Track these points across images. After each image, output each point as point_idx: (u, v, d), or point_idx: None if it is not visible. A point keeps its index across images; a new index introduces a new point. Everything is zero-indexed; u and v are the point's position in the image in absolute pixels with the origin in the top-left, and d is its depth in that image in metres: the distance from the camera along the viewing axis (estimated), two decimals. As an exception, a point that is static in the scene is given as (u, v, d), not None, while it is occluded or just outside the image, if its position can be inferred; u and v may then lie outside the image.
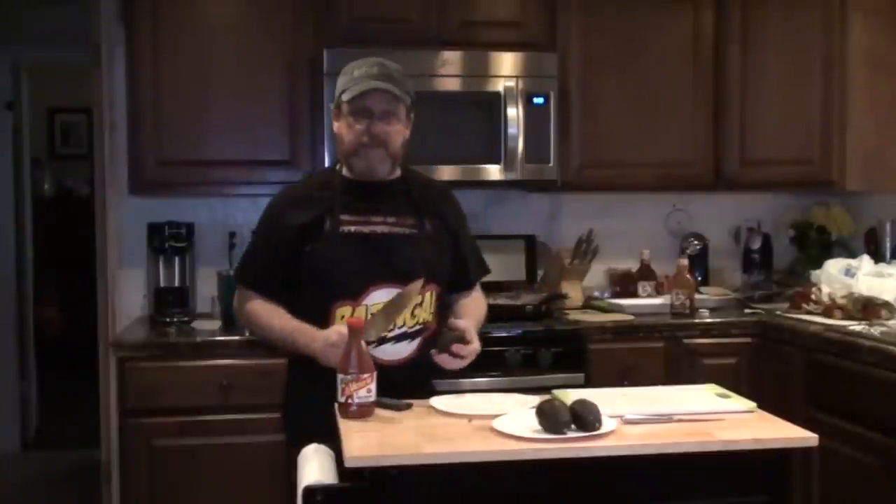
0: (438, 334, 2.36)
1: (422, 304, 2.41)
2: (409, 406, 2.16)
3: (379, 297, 2.35)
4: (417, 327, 2.41)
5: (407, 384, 2.29)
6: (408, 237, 2.41)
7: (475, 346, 2.33)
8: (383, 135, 2.37)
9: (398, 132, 2.40)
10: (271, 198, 2.56)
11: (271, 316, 2.41)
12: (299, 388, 2.47)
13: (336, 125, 2.45)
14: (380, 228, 2.40)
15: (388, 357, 2.36)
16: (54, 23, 4.99)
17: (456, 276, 2.53)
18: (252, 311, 2.45)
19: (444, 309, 2.51)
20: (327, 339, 2.22)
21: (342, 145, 2.43)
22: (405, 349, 2.40)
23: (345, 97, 2.37)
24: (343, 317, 2.34)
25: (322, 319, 2.33)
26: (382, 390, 2.16)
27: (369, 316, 2.34)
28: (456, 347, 2.29)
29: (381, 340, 2.35)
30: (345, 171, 2.46)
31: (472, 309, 2.53)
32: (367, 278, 2.35)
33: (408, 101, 2.42)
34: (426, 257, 2.41)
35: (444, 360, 2.31)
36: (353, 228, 2.38)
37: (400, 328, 2.38)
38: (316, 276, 2.36)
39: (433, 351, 2.32)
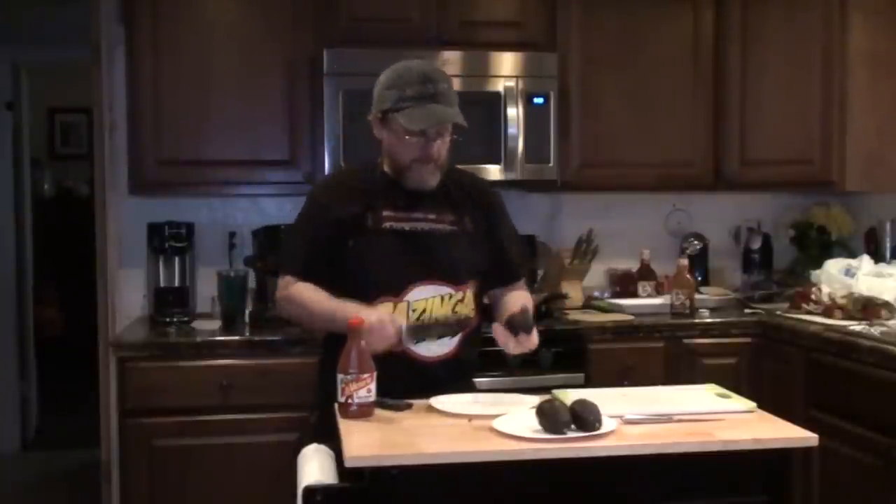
0: (510, 314, 2.30)
1: (463, 300, 2.42)
2: (409, 406, 2.16)
3: (420, 293, 2.36)
4: None
5: (447, 380, 2.31)
6: (448, 234, 2.42)
7: (535, 340, 2.29)
8: (437, 153, 2.37)
9: (446, 144, 2.39)
10: (313, 187, 2.57)
11: (313, 295, 2.37)
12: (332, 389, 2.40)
13: (379, 131, 2.41)
14: (420, 225, 2.41)
15: (430, 354, 2.38)
16: (54, 23, 4.99)
17: (498, 270, 2.52)
18: (296, 292, 2.40)
19: (487, 304, 2.52)
20: (370, 325, 2.17)
21: (391, 156, 2.40)
22: (446, 345, 2.41)
23: (403, 122, 2.32)
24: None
25: None
26: (423, 387, 2.18)
27: (412, 315, 2.35)
28: (522, 338, 2.25)
29: (422, 338, 2.37)
30: (386, 168, 2.45)
31: (524, 303, 2.48)
32: (409, 275, 2.36)
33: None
34: (466, 254, 2.43)
35: (511, 342, 2.26)
36: (394, 224, 2.39)
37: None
38: (357, 271, 2.36)
39: (500, 326, 2.27)
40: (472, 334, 2.47)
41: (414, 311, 2.36)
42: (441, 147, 2.37)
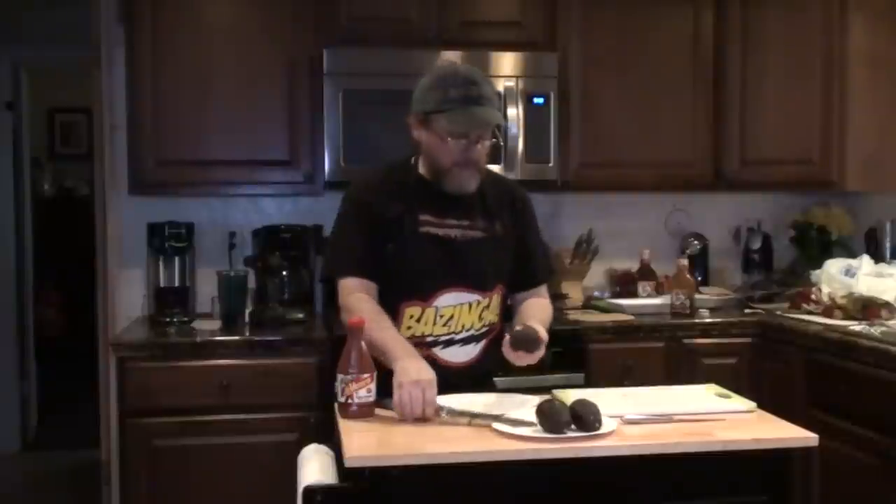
0: (513, 330, 2.29)
1: (489, 306, 2.42)
2: (409, 406, 2.16)
3: (448, 299, 2.37)
4: (484, 329, 2.44)
5: (468, 385, 2.30)
6: (479, 241, 2.42)
7: (538, 356, 2.26)
8: (478, 157, 2.36)
9: (486, 148, 2.38)
10: (350, 188, 2.50)
11: (375, 317, 2.28)
12: None
13: (419, 133, 2.37)
14: (454, 232, 2.40)
15: (456, 359, 2.39)
16: (54, 23, 4.99)
17: (521, 275, 2.52)
18: (364, 308, 2.30)
19: (509, 309, 2.52)
20: (402, 380, 2.11)
21: (430, 158, 2.38)
22: (472, 352, 2.42)
23: (447, 124, 2.30)
24: (412, 316, 2.36)
25: (390, 317, 2.33)
26: (444, 391, 2.16)
27: (439, 321, 2.36)
28: (521, 354, 2.24)
29: (449, 342, 2.38)
30: (421, 169, 2.43)
31: (539, 312, 2.46)
32: (439, 281, 2.36)
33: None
34: (494, 260, 2.43)
35: (513, 356, 2.25)
36: (429, 230, 2.38)
37: (468, 331, 2.40)
38: (390, 274, 2.36)
39: (507, 340, 2.26)
40: (495, 340, 2.46)
41: (442, 316, 2.37)
42: (482, 151, 2.36)
